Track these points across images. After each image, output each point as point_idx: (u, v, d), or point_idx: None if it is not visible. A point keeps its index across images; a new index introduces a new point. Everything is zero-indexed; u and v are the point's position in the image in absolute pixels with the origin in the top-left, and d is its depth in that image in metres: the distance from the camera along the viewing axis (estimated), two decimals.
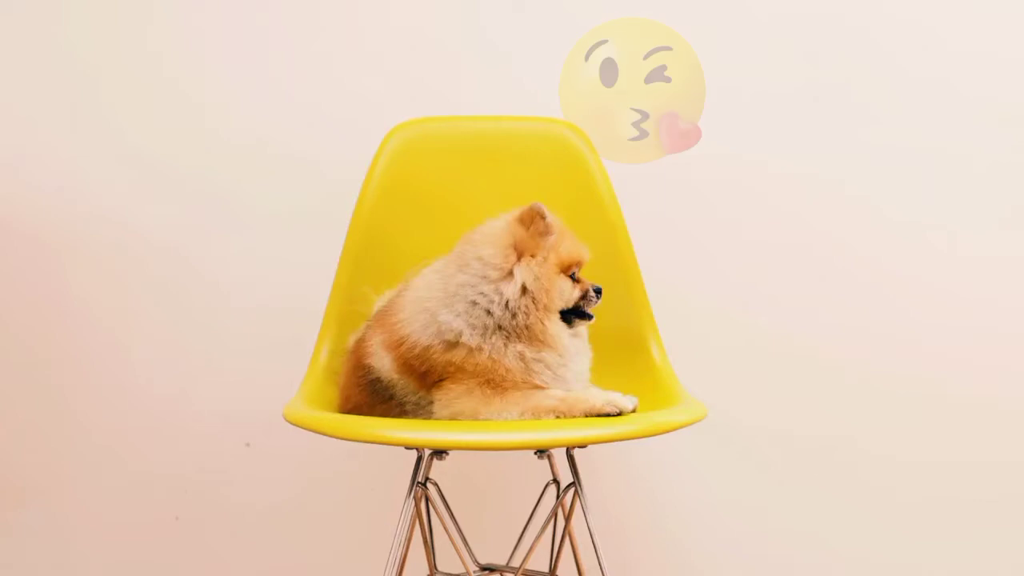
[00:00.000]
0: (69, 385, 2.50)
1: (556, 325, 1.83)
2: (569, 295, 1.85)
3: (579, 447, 1.83)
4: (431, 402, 1.81)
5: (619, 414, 1.75)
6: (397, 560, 1.84)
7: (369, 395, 1.85)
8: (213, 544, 2.52)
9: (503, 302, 1.80)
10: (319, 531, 2.51)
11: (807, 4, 2.47)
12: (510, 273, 1.81)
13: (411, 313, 1.83)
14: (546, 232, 1.83)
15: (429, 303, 1.82)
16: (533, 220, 1.82)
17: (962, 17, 2.46)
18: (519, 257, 1.82)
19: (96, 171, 2.48)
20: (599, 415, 1.75)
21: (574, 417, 1.75)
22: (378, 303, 2.01)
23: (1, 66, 2.48)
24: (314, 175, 2.46)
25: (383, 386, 1.83)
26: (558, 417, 1.76)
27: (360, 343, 1.90)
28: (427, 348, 1.79)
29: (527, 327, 1.80)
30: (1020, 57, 2.46)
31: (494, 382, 1.78)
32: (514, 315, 1.80)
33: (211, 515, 2.51)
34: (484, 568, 2.17)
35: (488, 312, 1.80)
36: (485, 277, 1.81)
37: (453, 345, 1.79)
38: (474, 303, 1.80)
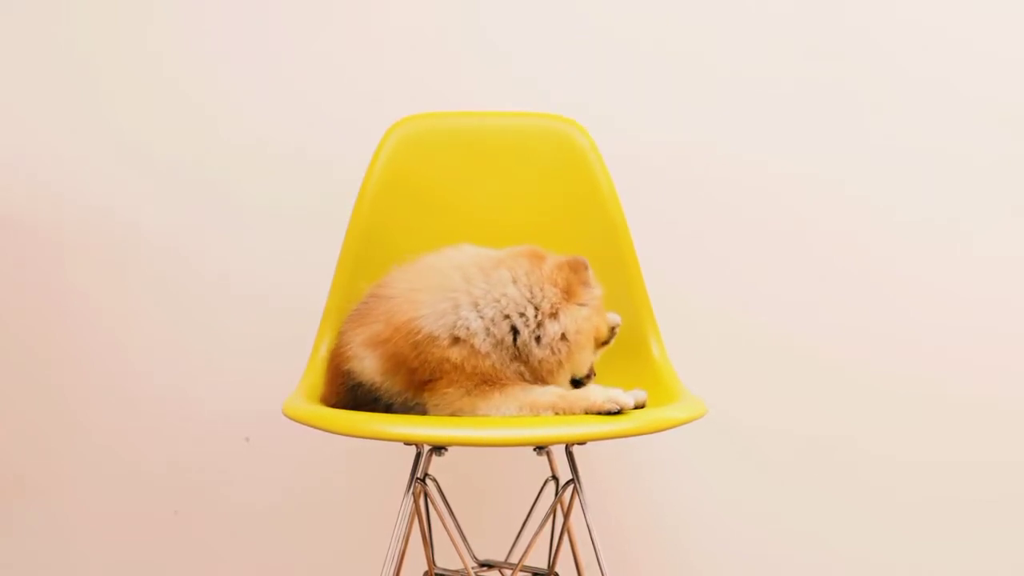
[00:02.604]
0: (68, 383, 2.50)
1: (565, 377, 1.82)
2: (586, 369, 1.84)
3: (578, 444, 1.82)
4: (417, 404, 1.77)
5: (620, 411, 1.73)
6: (396, 556, 1.83)
7: (351, 400, 1.80)
8: (211, 539, 2.52)
9: (536, 335, 1.78)
10: (318, 526, 2.51)
11: (808, 3, 2.47)
12: (556, 314, 1.79)
13: (433, 297, 1.78)
14: (588, 284, 1.82)
15: (457, 295, 1.78)
16: (576, 269, 1.81)
17: (963, 16, 2.47)
18: (566, 299, 1.79)
19: (95, 170, 2.48)
20: (599, 412, 1.73)
21: (574, 414, 1.74)
22: None
23: (0, 64, 2.48)
24: (314, 172, 2.46)
25: (366, 390, 1.78)
26: (557, 414, 1.74)
27: (336, 350, 1.85)
28: (432, 338, 1.75)
29: (540, 362, 1.78)
30: (1021, 56, 2.47)
31: (490, 380, 1.76)
32: (540, 347, 1.77)
33: (210, 510, 2.51)
34: (483, 564, 2.17)
35: (514, 330, 1.77)
36: (538, 307, 1.78)
37: (458, 341, 1.76)
38: (506, 316, 1.77)
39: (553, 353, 1.78)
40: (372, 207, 2.15)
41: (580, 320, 1.80)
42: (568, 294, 1.80)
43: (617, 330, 1.91)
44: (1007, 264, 2.48)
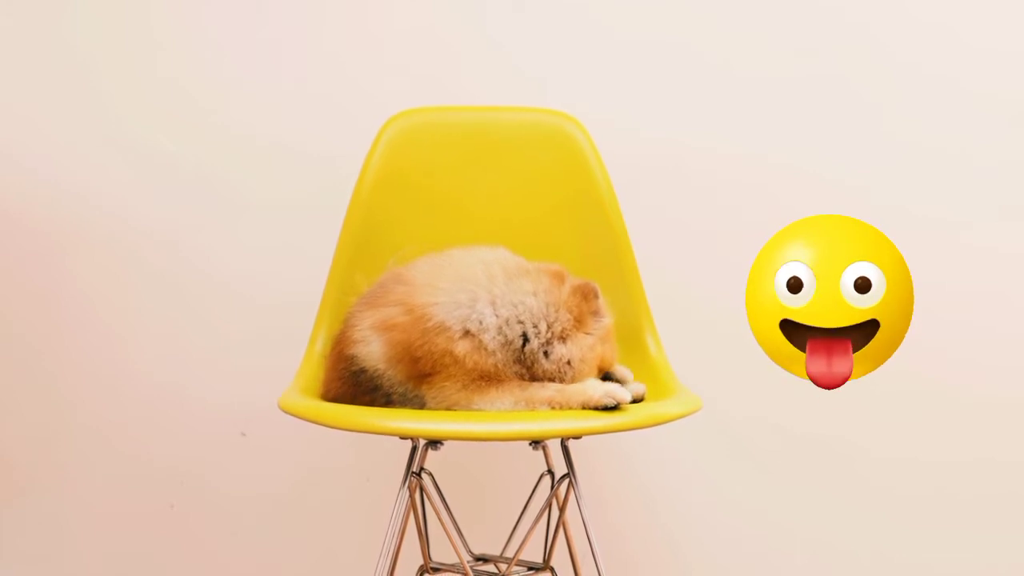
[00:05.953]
0: (65, 377, 2.50)
1: None
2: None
3: (573, 438, 1.83)
4: (416, 395, 1.78)
5: (616, 407, 1.73)
6: (391, 550, 1.84)
7: (352, 387, 1.81)
8: (207, 533, 2.52)
9: (543, 350, 1.79)
10: (313, 520, 2.51)
11: (808, 1, 2.47)
12: (565, 339, 1.81)
13: (453, 286, 1.79)
14: (597, 312, 1.84)
15: (477, 289, 1.79)
16: (588, 297, 1.83)
17: (966, 12, 2.46)
18: (576, 327, 1.82)
19: (94, 164, 2.48)
20: (596, 407, 1.73)
21: (571, 408, 1.74)
22: None
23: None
24: (311, 166, 2.46)
25: (368, 377, 1.79)
26: (553, 408, 1.75)
27: (343, 333, 1.85)
28: (443, 327, 1.76)
29: (545, 372, 1.80)
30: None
31: (488, 376, 1.77)
32: (548, 360, 1.79)
33: (206, 505, 2.51)
34: (478, 558, 2.16)
35: (524, 337, 1.79)
36: (550, 326, 1.80)
37: (467, 335, 1.77)
38: (520, 322, 1.79)
39: (559, 371, 1.80)
40: (369, 201, 2.15)
41: (585, 349, 1.82)
42: (578, 322, 1.82)
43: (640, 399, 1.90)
44: (1008, 262, 2.48)
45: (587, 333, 1.83)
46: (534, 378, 1.79)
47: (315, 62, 2.47)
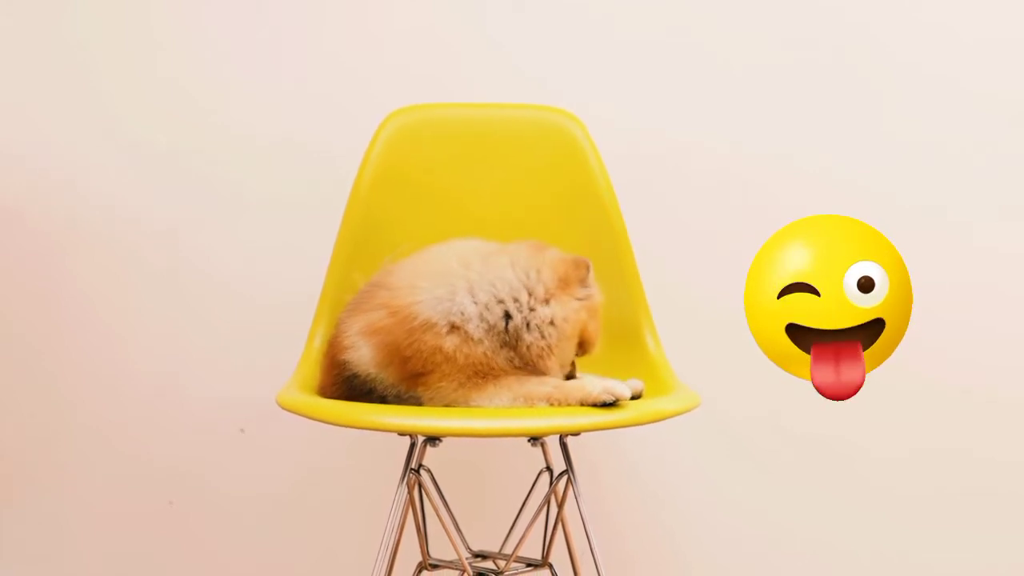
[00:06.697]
0: (63, 374, 2.50)
1: (555, 364, 1.82)
2: (570, 361, 1.84)
3: (572, 435, 1.82)
4: (411, 396, 1.78)
5: (615, 403, 1.73)
6: (390, 546, 1.84)
7: (347, 391, 1.81)
8: (206, 530, 2.52)
9: (526, 321, 1.79)
10: (312, 517, 2.51)
11: None
12: (548, 300, 1.80)
13: (432, 283, 1.79)
14: (584, 284, 1.83)
15: (454, 281, 1.79)
16: (578, 265, 1.82)
17: (966, 12, 2.46)
18: (561, 289, 1.81)
19: (94, 163, 2.48)
20: (595, 404, 1.73)
21: (569, 405, 1.74)
22: None
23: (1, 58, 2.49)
24: (310, 163, 2.46)
25: (361, 382, 1.79)
26: (552, 405, 1.74)
27: (333, 339, 1.86)
28: (429, 324, 1.76)
29: (529, 346, 1.79)
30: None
31: (483, 373, 1.77)
32: (529, 331, 1.79)
33: (204, 501, 2.51)
34: (477, 555, 2.16)
35: (506, 315, 1.78)
36: (531, 292, 1.80)
37: (454, 328, 1.77)
38: (500, 301, 1.79)
39: (543, 337, 1.79)
40: (367, 198, 2.15)
41: (569, 311, 1.80)
42: (564, 283, 1.81)
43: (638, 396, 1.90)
44: (1008, 262, 2.47)
45: (574, 298, 1.82)
46: (521, 357, 1.79)
47: (315, 61, 2.47)
